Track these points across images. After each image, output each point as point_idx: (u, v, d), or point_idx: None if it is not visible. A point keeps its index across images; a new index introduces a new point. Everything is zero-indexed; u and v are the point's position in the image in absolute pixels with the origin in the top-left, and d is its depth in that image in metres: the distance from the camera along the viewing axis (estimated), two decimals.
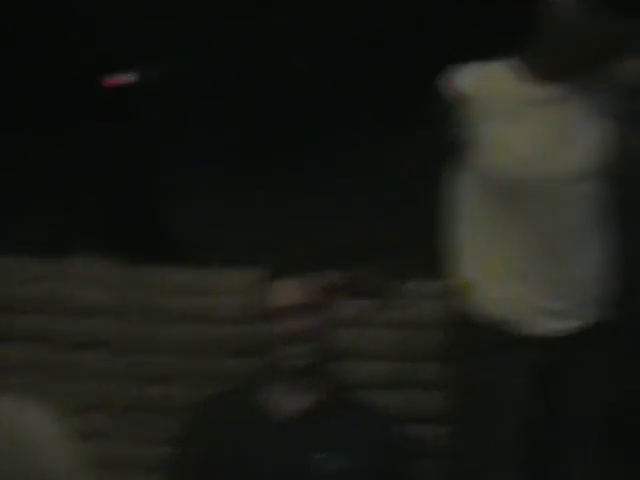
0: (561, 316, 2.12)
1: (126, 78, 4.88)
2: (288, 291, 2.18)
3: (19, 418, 1.89)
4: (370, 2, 5.91)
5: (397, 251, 2.36)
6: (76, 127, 4.94)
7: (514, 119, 2.08)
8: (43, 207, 4.64)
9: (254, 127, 5.61)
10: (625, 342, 2.20)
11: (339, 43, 6.52)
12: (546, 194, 2.07)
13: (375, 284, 2.38)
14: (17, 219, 4.33)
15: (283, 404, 2.16)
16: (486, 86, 2.09)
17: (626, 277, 2.18)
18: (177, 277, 2.56)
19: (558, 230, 2.09)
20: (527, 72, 2.08)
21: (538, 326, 2.11)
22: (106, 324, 2.50)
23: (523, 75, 2.09)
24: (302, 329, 2.14)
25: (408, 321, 2.42)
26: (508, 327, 2.11)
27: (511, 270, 2.11)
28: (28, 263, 2.58)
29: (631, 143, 2.12)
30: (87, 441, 2.08)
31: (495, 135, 2.08)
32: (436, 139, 2.20)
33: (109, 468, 2.32)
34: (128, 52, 5.08)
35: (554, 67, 2.06)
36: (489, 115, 2.08)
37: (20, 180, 4.66)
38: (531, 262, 2.09)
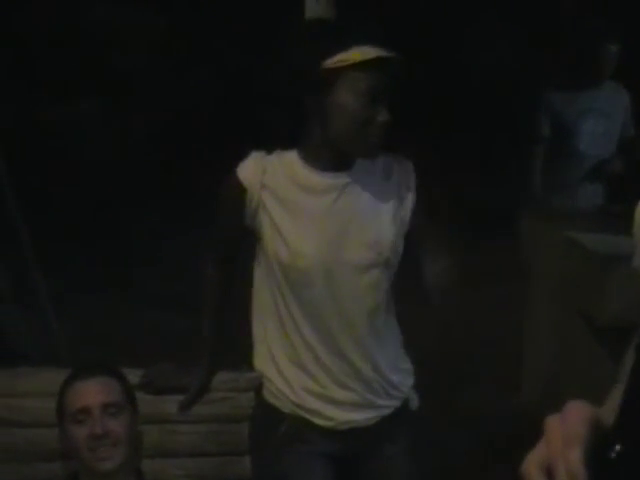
0: (349, 407, 2.15)
1: None
2: (83, 394, 2.13)
3: None
4: None
5: (203, 343, 2.35)
6: None
7: (293, 209, 2.10)
8: None
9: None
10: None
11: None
12: (328, 285, 2.09)
13: (178, 379, 2.35)
14: None
15: None
16: (263, 177, 2.10)
17: None
18: None
19: (342, 321, 2.12)
20: (307, 162, 2.11)
21: (326, 417, 2.15)
22: None
23: (303, 165, 2.11)
24: (105, 431, 2.09)
25: (218, 415, 2.39)
26: (296, 418, 2.14)
27: (295, 361, 2.14)
28: None
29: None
30: None
31: (274, 226, 2.10)
32: (221, 226, 2.24)
33: None
34: None
35: (332, 157, 2.10)
36: (269, 206, 2.10)
37: None
38: (315, 354, 2.12)
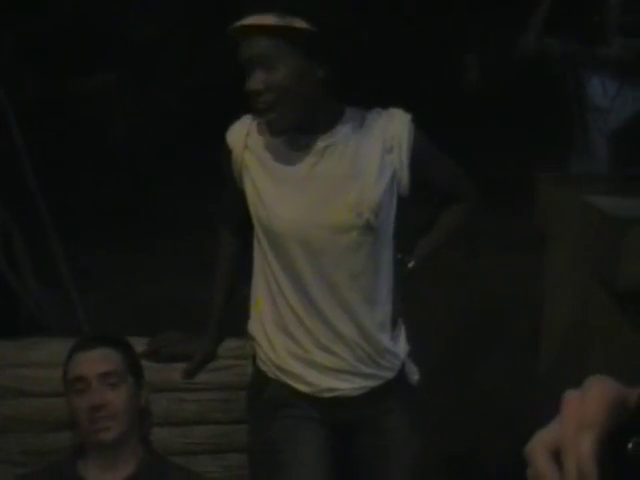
0: (334, 373, 2.11)
1: None
2: (81, 364, 2.14)
3: None
4: None
5: (210, 311, 2.33)
6: None
7: (274, 171, 2.09)
8: None
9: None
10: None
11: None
12: (306, 248, 2.06)
13: (183, 347, 2.35)
14: None
15: (101, 476, 2.13)
16: (247, 139, 2.12)
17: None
18: None
19: (324, 285, 2.08)
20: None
21: (307, 383, 2.12)
22: None
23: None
24: (105, 401, 2.10)
25: (225, 383, 2.39)
26: (280, 384, 2.12)
27: (280, 325, 2.12)
28: None
29: None
30: None
31: (255, 188, 2.10)
32: (226, 194, 2.23)
33: None
34: None
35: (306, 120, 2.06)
36: (251, 167, 2.10)
37: None
38: (299, 317, 2.09)
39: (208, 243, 2.40)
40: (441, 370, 2.23)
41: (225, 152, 2.16)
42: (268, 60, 1.98)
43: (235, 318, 2.32)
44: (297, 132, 2.07)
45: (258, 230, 2.12)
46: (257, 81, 1.99)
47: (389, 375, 2.16)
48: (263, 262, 2.13)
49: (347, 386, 2.12)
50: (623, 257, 3.02)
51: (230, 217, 2.26)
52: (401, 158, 2.08)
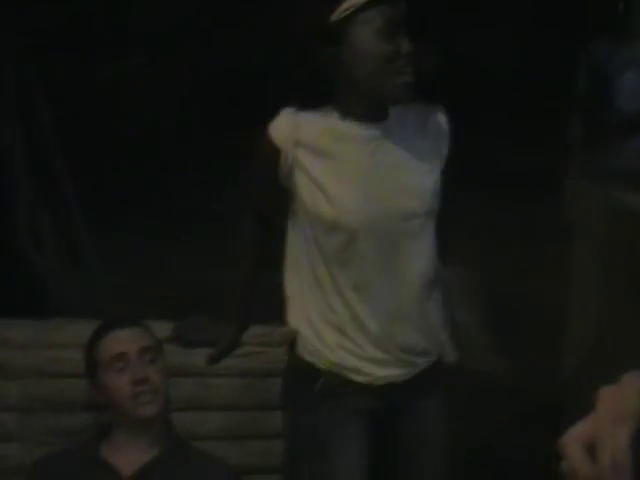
0: (386, 364, 2.14)
1: None
2: (120, 341, 2.14)
3: None
4: None
5: (235, 297, 2.33)
6: None
7: (334, 163, 2.06)
8: None
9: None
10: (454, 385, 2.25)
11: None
12: (376, 239, 2.06)
13: (209, 332, 2.35)
14: None
15: (125, 459, 2.12)
16: (297, 135, 2.06)
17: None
18: (16, 331, 2.48)
19: (390, 280, 2.09)
20: (343, 115, 2.07)
21: (363, 374, 2.13)
22: None
23: (340, 117, 2.07)
24: (147, 375, 2.10)
25: (250, 369, 2.39)
26: (332, 375, 2.13)
27: (332, 323, 2.12)
28: None
29: None
30: None
31: (314, 183, 2.06)
32: (256, 186, 2.21)
33: None
34: None
35: (366, 108, 2.06)
36: (307, 164, 2.06)
37: None
38: (356, 315, 2.09)
39: (224, 230, 2.39)
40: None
41: (269, 151, 2.08)
42: (403, 25, 1.99)
43: (260, 305, 2.31)
44: (354, 121, 2.06)
45: (314, 226, 2.08)
46: (410, 44, 1.99)
47: (432, 359, 2.21)
48: (311, 259, 2.11)
49: (399, 372, 2.16)
50: None
51: (257, 206, 2.25)
52: (445, 148, 2.15)
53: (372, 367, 2.13)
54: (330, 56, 2.01)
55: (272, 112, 2.13)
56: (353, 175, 2.05)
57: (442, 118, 2.15)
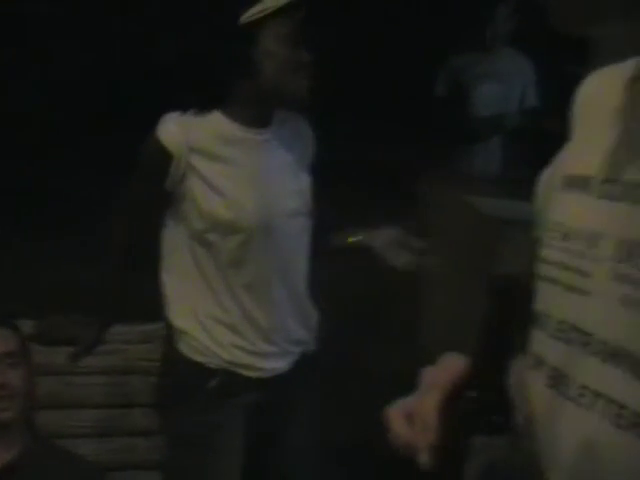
0: (274, 356, 2.20)
1: None
2: None
3: None
4: None
5: (100, 296, 2.35)
6: None
7: (228, 166, 2.10)
8: None
9: None
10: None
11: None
12: (268, 238, 2.12)
13: (69, 331, 2.33)
14: None
15: None
16: (189, 140, 2.07)
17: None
18: None
19: (280, 274, 2.17)
20: (234, 119, 2.11)
21: (254, 369, 2.18)
22: None
23: (230, 122, 2.11)
24: (6, 380, 2.08)
25: (111, 367, 2.42)
26: (226, 373, 2.16)
27: (223, 321, 2.15)
28: None
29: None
30: None
31: (209, 187, 2.09)
32: (139, 189, 2.19)
33: None
34: None
35: (258, 112, 2.13)
36: (200, 168, 2.08)
37: None
38: (246, 312, 2.15)
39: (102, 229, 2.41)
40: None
41: (159, 155, 2.08)
42: (305, 36, 2.08)
43: (123, 304, 2.35)
44: (241, 125, 2.13)
45: (206, 227, 2.11)
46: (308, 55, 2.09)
47: (308, 347, 2.29)
48: (198, 260, 2.14)
49: (283, 364, 2.23)
50: (500, 258, 3.14)
51: (138, 210, 2.23)
52: (310, 153, 2.29)
53: (262, 361, 2.19)
54: (240, 58, 2.08)
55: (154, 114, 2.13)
56: (246, 178, 2.11)
57: (306, 125, 2.28)
